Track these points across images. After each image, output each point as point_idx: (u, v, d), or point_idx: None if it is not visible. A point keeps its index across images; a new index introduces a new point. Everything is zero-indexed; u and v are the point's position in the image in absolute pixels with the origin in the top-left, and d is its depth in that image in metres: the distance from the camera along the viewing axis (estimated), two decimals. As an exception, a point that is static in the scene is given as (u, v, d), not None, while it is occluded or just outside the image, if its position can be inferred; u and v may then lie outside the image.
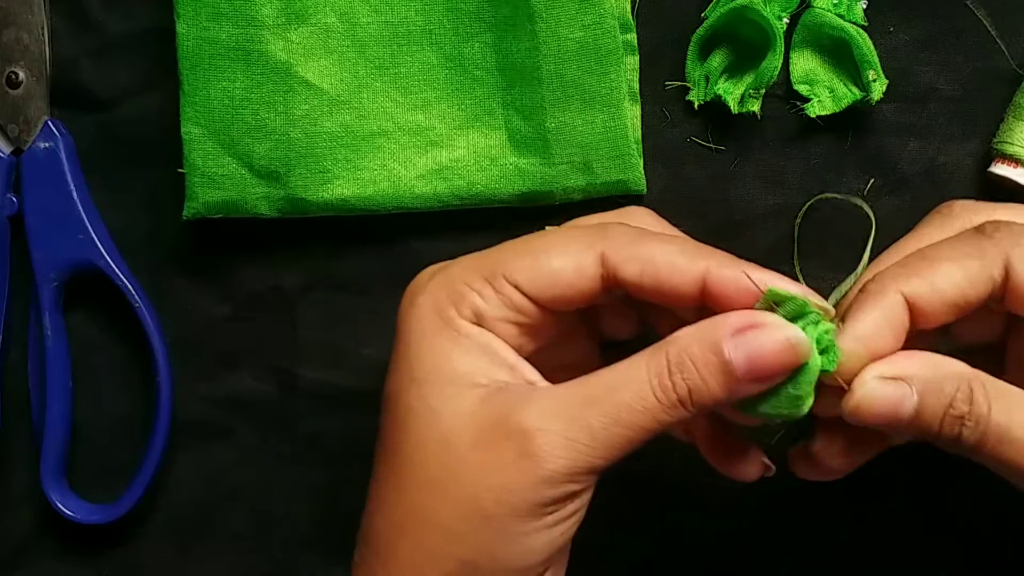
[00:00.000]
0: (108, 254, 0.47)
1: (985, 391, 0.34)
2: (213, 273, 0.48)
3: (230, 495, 0.48)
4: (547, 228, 0.39)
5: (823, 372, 0.35)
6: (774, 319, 0.34)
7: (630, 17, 0.46)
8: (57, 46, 0.48)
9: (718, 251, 0.36)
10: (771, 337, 0.34)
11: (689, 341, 0.34)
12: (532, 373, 0.36)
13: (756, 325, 0.34)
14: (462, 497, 0.34)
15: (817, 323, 0.35)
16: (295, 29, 0.45)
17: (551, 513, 0.34)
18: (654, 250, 0.36)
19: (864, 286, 0.36)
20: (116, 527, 0.48)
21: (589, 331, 0.41)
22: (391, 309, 0.48)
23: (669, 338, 0.35)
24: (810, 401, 0.35)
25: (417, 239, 0.47)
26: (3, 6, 0.47)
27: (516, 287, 0.36)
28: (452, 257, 0.47)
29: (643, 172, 0.46)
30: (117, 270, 0.47)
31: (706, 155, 0.47)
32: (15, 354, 0.49)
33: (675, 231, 0.40)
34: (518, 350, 0.37)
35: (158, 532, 0.49)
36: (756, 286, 0.35)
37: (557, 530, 0.34)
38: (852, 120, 0.46)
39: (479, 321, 0.36)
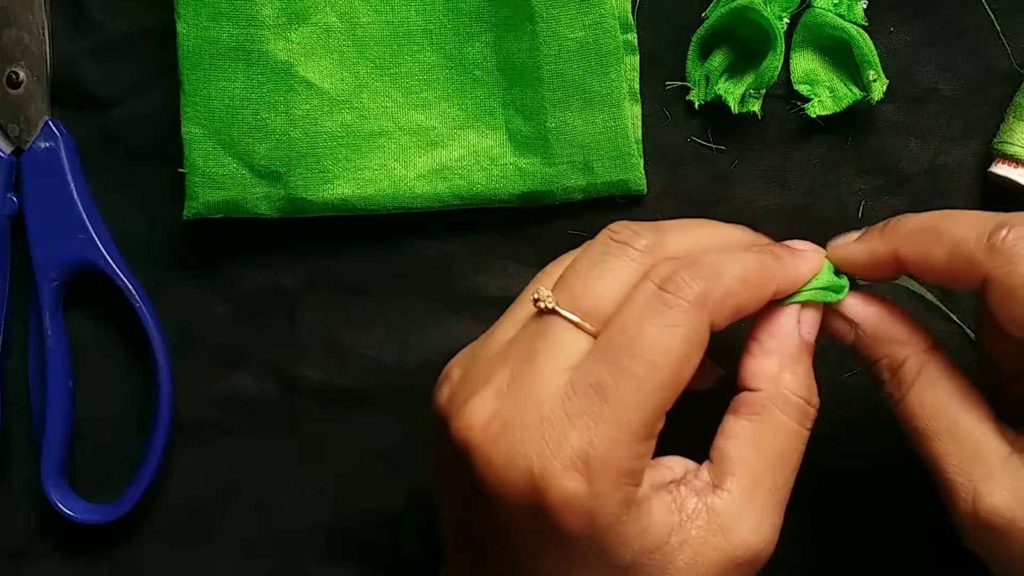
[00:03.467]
0: (108, 254, 0.47)
1: (920, 369, 0.37)
2: (213, 273, 0.48)
3: (230, 495, 0.48)
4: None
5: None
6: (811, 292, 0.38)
7: (631, 17, 0.46)
8: (57, 46, 0.48)
9: (770, 254, 0.38)
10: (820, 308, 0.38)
11: (788, 367, 0.37)
12: (675, 468, 0.37)
13: (806, 306, 0.38)
14: None
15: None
16: (295, 29, 0.45)
17: None
18: (740, 291, 0.36)
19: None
20: (116, 527, 0.48)
21: None
22: (391, 309, 0.48)
23: (774, 385, 0.37)
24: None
25: (417, 239, 0.47)
26: (3, 6, 0.47)
27: (666, 413, 0.35)
28: (452, 256, 0.47)
29: (643, 172, 0.46)
30: (117, 270, 0.47)
31: (706, 155, 0.47)
32: (15, 354, 0.49)
33: (685, 233, 0.39)
34: None
35: (158, 532, 0.49)
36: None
37: None
38: (852, 120, 0.46)
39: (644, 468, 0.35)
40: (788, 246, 0.39)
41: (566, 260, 0.38)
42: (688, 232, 0.39)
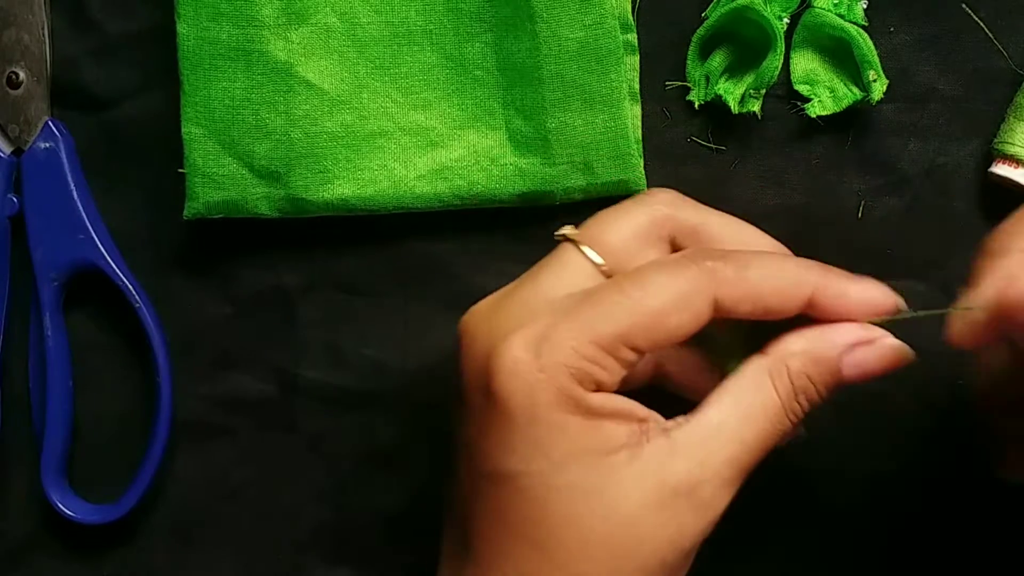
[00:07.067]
0: (108, 254, 0.47)
1: None
2: (213, 273, 0.48)
3: (230, 495, 0.48)
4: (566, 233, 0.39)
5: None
6: (881, 333, 0.37)
7: (631, 17, 0.46)
8: (57, 46, 0.48)
9: (814, 266, 0.37)
10: (880, 351, 0.37)
11: (807, 361, 0.37)
12: (655, 415, 0.37)
13: (866, 341, 0.37)
14: (645, 555, 0.35)
15: None
16: (295, 29, 0.45)
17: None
18: (762, 282, 0.36)
19: (984, 246, 0.36)
20: (116, 527, 0.48)
21: None
22: (391, 309, 0.48)
23: (781, 357, 0.37)
24: None
25: (417, 239, 0.47)
26: (3, 6, 0.47)
27: (636, 349, 0.35)
28: (452, 256, 0.47)
29: (643, 172, 0.46)
30: (117, 270, 0.47)
31: (706, 155, 0.47)
32: (15, 354, 0.49)
33: (708, 210, 0.41)
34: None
35: (158, 532, 0.49)
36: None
37: None
38: (852, 120, 0.46)
39: (600, 388, 0.36)
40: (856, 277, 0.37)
41: None
42: (719, 217, 0.40)
